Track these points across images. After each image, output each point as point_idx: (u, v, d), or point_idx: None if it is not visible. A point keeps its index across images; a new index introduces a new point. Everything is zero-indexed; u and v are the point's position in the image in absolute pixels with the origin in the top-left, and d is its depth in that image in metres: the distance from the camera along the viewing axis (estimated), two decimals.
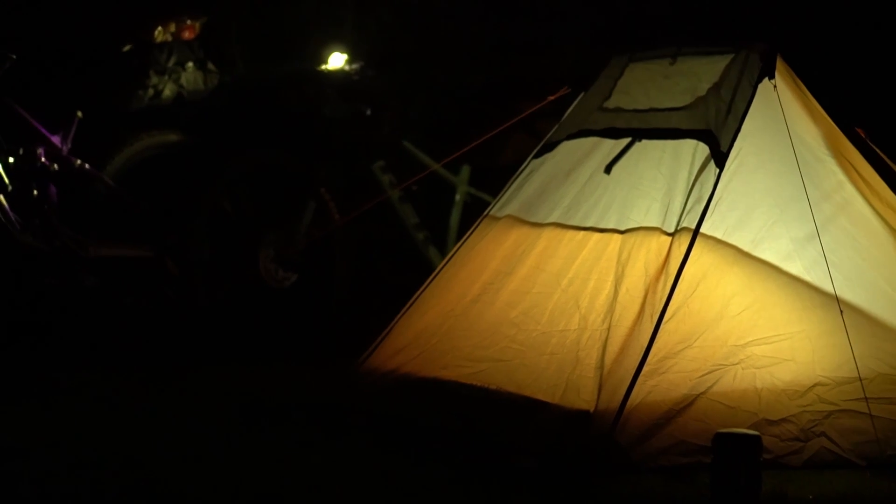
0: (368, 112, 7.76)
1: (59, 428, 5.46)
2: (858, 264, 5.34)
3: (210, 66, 7.60)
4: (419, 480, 4.80)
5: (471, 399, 5.21)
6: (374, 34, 8.64)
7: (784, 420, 4.97)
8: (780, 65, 5.45)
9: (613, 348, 5.02)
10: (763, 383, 5.02)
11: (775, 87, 5.41)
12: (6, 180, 6.57)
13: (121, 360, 6.68)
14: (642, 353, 4.91)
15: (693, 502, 4.60)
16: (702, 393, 4.94)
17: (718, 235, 5.18)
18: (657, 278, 5.09)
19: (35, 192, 6.72)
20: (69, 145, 6.91)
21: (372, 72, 7.88)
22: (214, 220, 7.16)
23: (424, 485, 4.75)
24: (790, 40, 5.78)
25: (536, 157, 5.86)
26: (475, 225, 5.89)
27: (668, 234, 5.18)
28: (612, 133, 5.63)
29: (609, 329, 5.08)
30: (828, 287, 5.17)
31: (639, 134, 5.54)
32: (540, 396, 5.06)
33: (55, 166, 6.81)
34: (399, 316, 5.76)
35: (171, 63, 7.38)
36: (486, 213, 5.89)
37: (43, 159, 6.77)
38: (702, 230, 5.13)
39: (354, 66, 7.80)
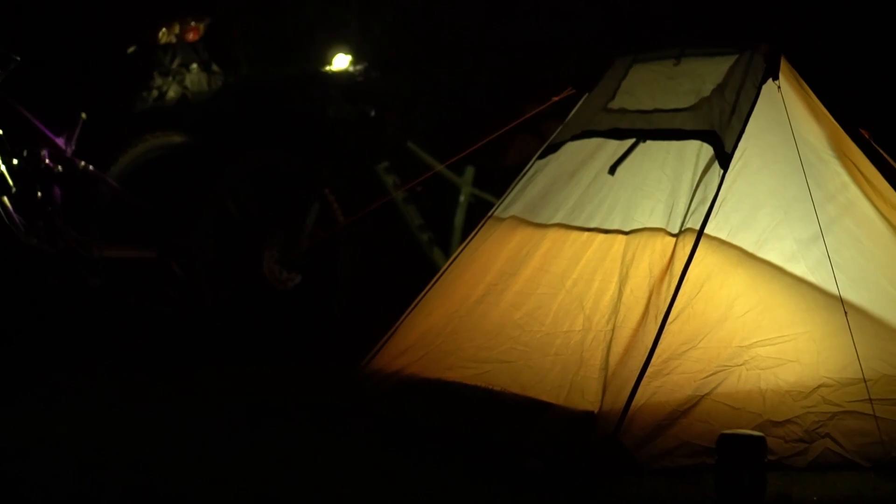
0: (373, 113, 7.75)
1: (61, 428, 5.46)
2: (863, 265, 5.33)
3: (214, 67, 7.60)
4: (422, 482, 4.80)
5: (475, 400, 5.22)
6: (378, 35, 8.64)
7: (788, 421, 4.97)
8: (783, 66, 5.45)
9: (618, 349, 5.02)
10: (767, 384, 5.02)
11: (779, 87, 5.41)
12: (10, 182, 6.58)
13: (124, 360, 6.68)
14: (647, 354, 4.91)
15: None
16: (706, 394, 4.94)
17: (723, 236, 5.18)
18: (661, 279, 5.09)
19: (39, 193, 6.73)
20: (73, 147, 6.91)
21: (376, 73, 7.88)
22: (218, 222, 7.16)
23: (427, 486, 4.75)
24: (794, 41, 5.79)
25: (541, 157, 5.86)
26: (479, 226, 5.89)
27: (673, 235, 5.18)
28: (617, 134, 5.63)
29: (613, 330, 5.09)
30: (832, 288, 5.16)
31: (643, 135, 5.54)
32: (544, 398, 5.07)
33: (59, 168, 6.81)
34: (403, 317, 5.76)
35: (175, 64, 7.38)
36: (490, 214, 5.89)
37: (47, 161, 6.78)
38: (706, 231, 5.13)
39: (359, 67, 7.79)
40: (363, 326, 6.18)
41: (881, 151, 5.64)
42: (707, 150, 5.30)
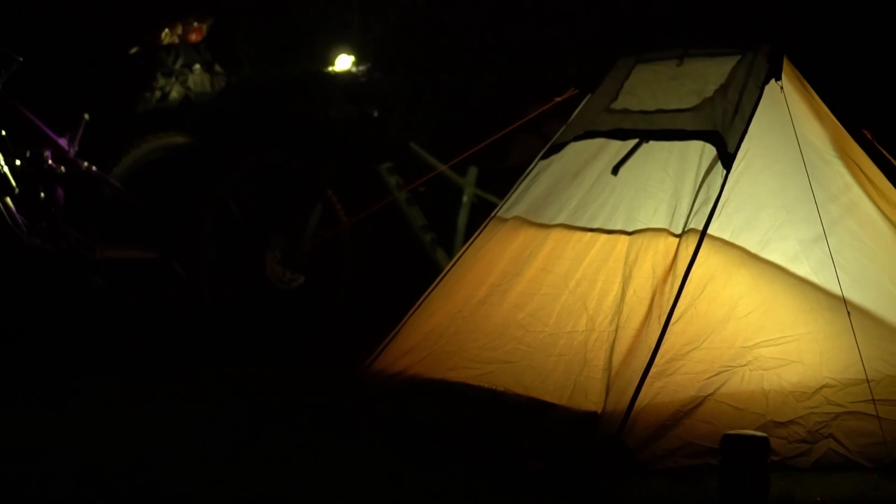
0: (375, 114, 7.75)
1: (62, 428, 5.46)
2: (865, 266, 5.34)
3: (217, 68, 7.60)
4: (425, 482, 4.80)
5: (478, 401, 5.22)
6: (380, 36, 8.64)
7: (791, 422, 4.97)
8: (786, 66, 5.46)
9: (621, 350, 5.02)
10: (770, 385, 5.02)
11: (782, 88, 5.41)
12: (13, 183, 6.57)
13: (126, 361, 6.68)
14: (650, 354, 4.91)
15: None
16: (709, 394, 4.94)
17: (726, 237, 5.18)
18: (665, 280, 5.09)
19: (42, 194, 6.72)
20: (76, 147, 6.90)
21: (379, 73, 7.88)
22: (221, 223, 7.16)
23: (430, 487, 4.75)
24: (796, 41, 5.78)
25: (543, 158, 5.86)
26: (482, 226, 5.89)
27: (676, 236, 5.18)
28: (619, 134, 5.63)
29: (617, 330, 5.09)
30: (835, 289, 5.16)
31: (646, 135, 5.55)
32: (547, 398, 5.07)
33: (62, 168, 6.81)
34: (406, 318, 5.76)
35: (177, 65, 7.38)
36: (493, 214, 5.89)
37: (50, 162, 6.77)
38: (709, 231, 5.13)
39: (361, 67, 7.80)
40: (366, 327, 6.18)
41: (884, 152, 5.64)
42: (710, 151, 5.30)
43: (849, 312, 5.11)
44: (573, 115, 5.93)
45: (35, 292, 6.87)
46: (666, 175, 5.38)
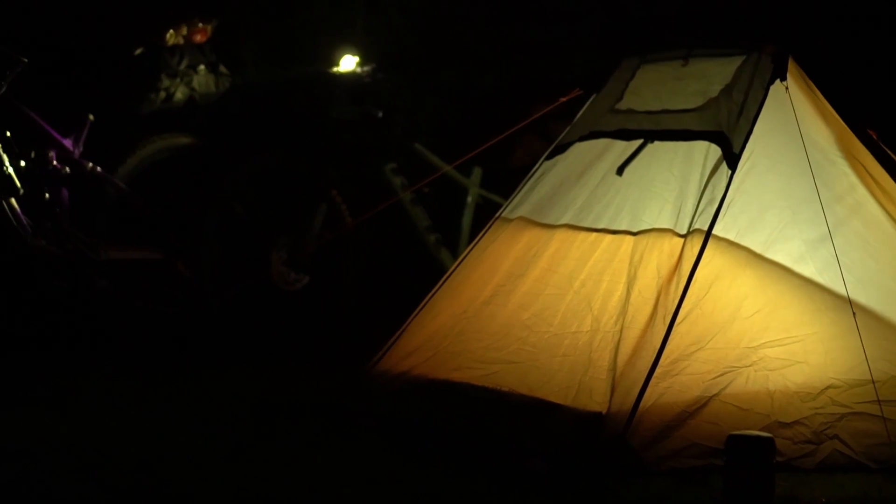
0: (380, 114, 7.75)
1: (66, 430, 5.46)
2: (871, 266, 5.33)
3: (222, 68, 7.60)
4: (428, 483, 4.80)
5: (483, 401, 5.21)
6: (384, 36, 8.64)
7: (796, 422, 4.97)
8: (791, 67, 5.45)
9: (626, 350, 5.02)
10: (775, 385, 5.01)
11: (787, 88, 5.41)
12: (18, 184, 6.57)
13: (130, 361, 6.68)
14: (655, 354, 4.91)
15: None
16: (714, 395, 4.94)
17: (731, 237, 5.17)
18: (669, 280, 5.09)
19: (47, 195, 6.73)
20: (81, 148, 6.91)
21: (383, 74, 7.88)
22: (226, 223, 7.16)
23: (433, 487, 4.75)
24: (802, 42, 5.78)
25: (548, 158, 5.86)
26: (487, 227, 5.89)
27: (681, 236, 5.18)
28: (624, 135, 5.63)
29: (621, 331, 5.08)
30: (840, 289, 5.15)
31: (651, 135, 5.54)
32: (552, 398, 5.06)
33: (66, 169, 6.82)
34: (411, 318, 5.76)
35: (182, 66, 7.39)
36: (497, 214, 5.89)
37: (54, 162, 6.78)
38: (714, 232, 5.13)
39: (366, 68, 7.80)
40: (370, 327, 6.18)
41: (889, 152, 5.64)
42: (715, 151, 5.30)
43: (854, 313, 5.10)
44: (578, 116, 5.93)
45: (39, 293, 6.88)
46: (671, 175, 5.37)
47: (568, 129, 5.90)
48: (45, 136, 6.80)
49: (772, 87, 5.40)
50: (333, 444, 5.26)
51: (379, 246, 7.71)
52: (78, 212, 6.87)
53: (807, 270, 5.22)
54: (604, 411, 4.88)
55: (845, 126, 5.55)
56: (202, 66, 7.50)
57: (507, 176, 6.77)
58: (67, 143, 6.86)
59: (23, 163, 6.64)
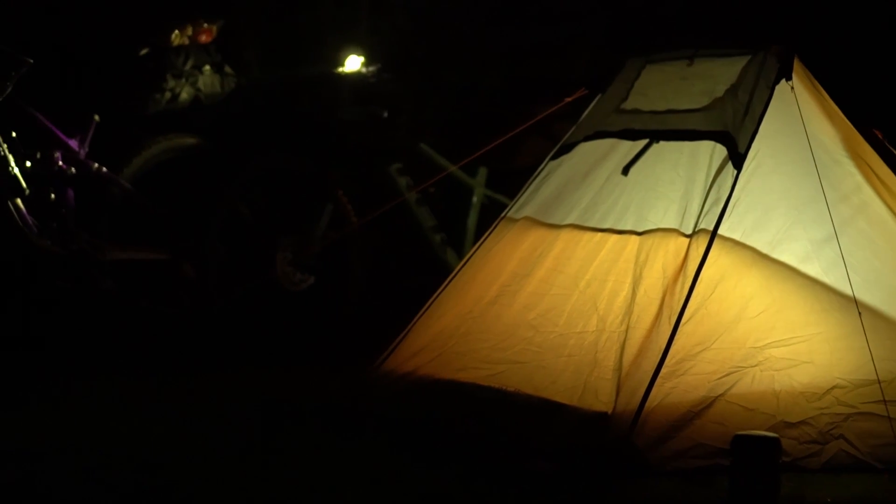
0: (385, 115, 7.75)
1: (71, 430, 5.47)
2: (877, 266, 5.32)
3: (227, 69, 7.60)
4: (433, 484, 4.79)
5: (488, 401, 5.21)
6: (389, 37, 8.64)
7: (802, 422, 4.96)
8: (797, 66, 5.45)
9: (631, 350, 5.01)
10: (781, 385, 5.01)
11: (792, 88, 5.40)
12: (24, 184, 6.58)
13: (134, 362, 6.69)
14: (660, 355, 4.90)
15: None
16: (720, 395, 4.93)
17: (736, 237, 5.17)
18: (675, 280, 5.09)
19: (52, 195, 6.74)
20: (86, 149, 6.92)
21: (388, 75, 7.88)
22: (231, 224, 7.17)
23: (438, 488, 4.74)
24: (807, 41, 5.77)
25: (554, 158, 5.86)
26: (492, 227, 5.89)
27: (686, 236, 5.17)
28: (630, 134, 5.63)
29: (627, 331, 5.08)
30: (846, 289, 5.15)
31: (656, 135, 5.54)
32: (558, 398, 5.06)
33: (72, 170, 6.83)
34: (416, 318, 5.76)
35: (187, 66, 7.39)
36: (503, 215, 5.88)
37: (60, 163, 6.79)
38: (720, 232, 5.13)
39: (371, 68, 7.80)
40: (375, 327, 6.17)
41: (895, 152, 5.62)
42: (720, 151, 5.29)
43: (860, 313, 5.10)
44: (583, 116, 5.92)
45: (45, 293, 6.88)
46: (676, 175, 5.37)
47: (573, 129, 5.90)
48: (50, 137, 6.81)
49: (777, 87, 5.39)
50: (338, 444, 5.26)
51: (384, 246, 7.71)
52: (83, 212, 6.88)
53: (812, 270, 5.21)
54: (609, 411, 4.87)
55: (851, 126, 5.54)
56: (207, 67, 7.50)
57: (513, 176, 6.77)
58: (73, 143, 6.87)
59: (28, 163, 6.65)
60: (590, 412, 4.93)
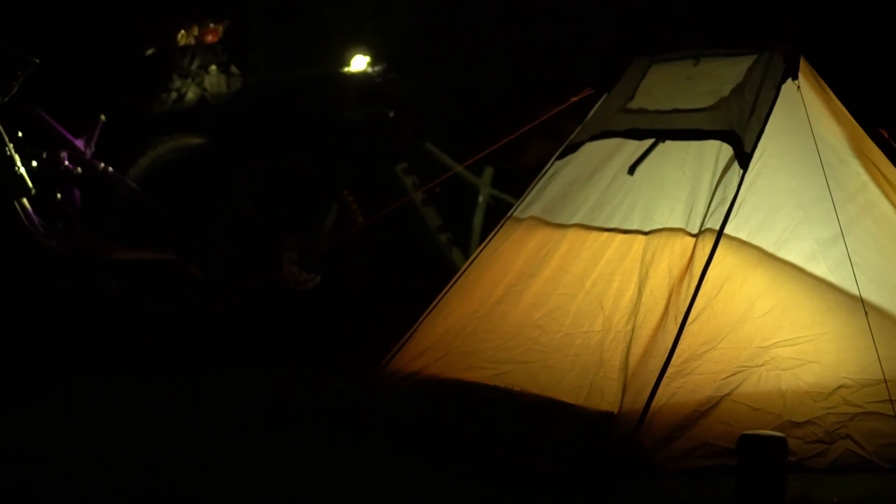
0: (391, 114, 7.75)
1: (74, 430, 5.48)
2: (883, 266, 5.32)
3: (233, 69, 7.60)
4: (438, 484, 4.79)
5: (494, 401, 5.21)
6: (395, 37, 8.64)
7: (808, 422, 4.95)
8: (803, 65, 5.44)
9: (637, 350, 5.01)
10: (788, 385, 5.00)
11: (798, 87, 5.40)
12: (30, 184, 6.59)
13: (139, 362, 6.69)
14: (666, 354, 4.90)
15: None
16: (726, 395, 4.93)
17: (742, 237, 5.16)
18: (681, 279, 5.08)
19: (58, 195, 6.75)
20: (92, 149, 6.93)
21: (394, 74, 7.88)
22: (237, 224, 7.17)
23: (443, 489, 4.74)
24: (813, 41, 5.77)
25: (559, 158, 5.86)
26: (498, 227, 5.88)
27: (693, 236, 5.17)
28: (636, 134, 5.62)
29: (633, 330, 5.08)
30: (852, 289, 5.14)
31: (662, 135, 5.54)
32: (564, 398, 5.06)
33: (78, 170, 6.84)
34: (422, 318, 5.76)
35: (194, 66, 7.39)
36: (509, 214, 5.88)
37: (66, 163, 6.80)
38: (726, 231, 5.12)
39: (376, 68, 7.80)
40: (381, 327, 6.17)
41: None
42: (726, 150, 5.29)
43: (866, 312, 5.09)
44: (589, 115, 5.92)
45: (50, 293, 6.89)
46: (682, 175, 5.37)
47: (579, 128, 5.90)
48: (56, 137, 6.82)
49: (783, 87, 5.39)
50: (342, 444, 5.27)
51: (390, 246, 7.71)
52: (89, 212, 6.89)
53: (819, 270, 5.21)
54: (615, 411, 4.87)
55: (857, 125, 5.54)
56: (213, 67, 7.50)
57: (518, 176, 6.76)
58: (79, 143, 6.88)
59: (35, 163, 6.66)
60: (596, 412, 4.93)
